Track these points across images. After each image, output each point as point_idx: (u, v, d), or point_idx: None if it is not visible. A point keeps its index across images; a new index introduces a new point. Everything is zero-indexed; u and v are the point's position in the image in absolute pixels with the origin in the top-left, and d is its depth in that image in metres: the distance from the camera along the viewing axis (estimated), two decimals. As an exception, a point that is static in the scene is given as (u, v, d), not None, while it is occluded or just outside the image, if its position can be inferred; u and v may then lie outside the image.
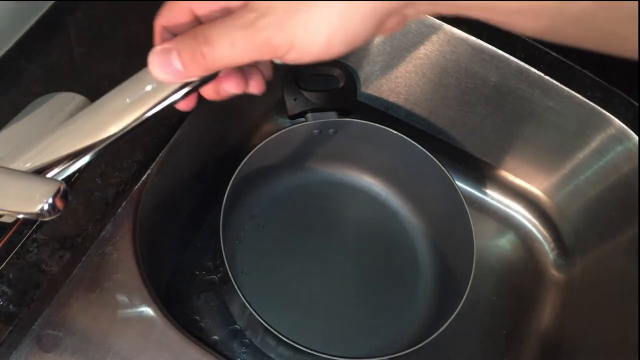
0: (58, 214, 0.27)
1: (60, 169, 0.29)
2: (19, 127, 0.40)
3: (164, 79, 0.28)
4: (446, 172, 0.60)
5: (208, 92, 0.31)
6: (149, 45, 0.52)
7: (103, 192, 0.46)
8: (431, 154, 0.60)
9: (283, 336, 0.49)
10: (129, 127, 0.29)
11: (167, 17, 0.29)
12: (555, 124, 0.64)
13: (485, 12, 0.25)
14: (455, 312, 0.52)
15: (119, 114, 0.29)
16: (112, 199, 0.46)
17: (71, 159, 0.29)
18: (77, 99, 0.43)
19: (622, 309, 0.60)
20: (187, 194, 0.62)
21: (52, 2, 0.51)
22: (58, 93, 0.43)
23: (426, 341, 0.51)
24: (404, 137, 0.61)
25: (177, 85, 0.29)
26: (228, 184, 0.54)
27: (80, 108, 0.42)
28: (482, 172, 0.74)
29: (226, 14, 0.27)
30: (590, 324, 0.63)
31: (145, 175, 0.49)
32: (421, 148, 0.60)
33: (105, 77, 0.50)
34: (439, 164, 0.60)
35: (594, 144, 0.64)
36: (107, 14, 0.53)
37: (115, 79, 0.50)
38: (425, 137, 0.72)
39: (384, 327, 0.62)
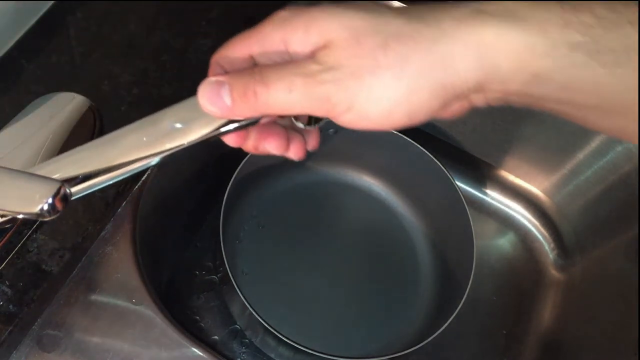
0: (58, 215, 0.27)
1: (79, 188, 0.29)
2: (19, 127, 0.40)
3: (210, 111, 0.27)
4: (446, 172, 0.60)
5: (248, 145, 0.31)
6: (148, 45, 0.53)
7: (103, 192, 0.46)
8: (431, 154, 0.60)
9: (283, 336, 0.49)
10: (148, 163, 0.29)
11: (225, 54, 0.29)
12: (555, 124, 0.64)
13: (560, 106, 0.25)
14: (455, 312, 0.52)
15: (143, 146, 0.29)
16: (112, 199, 0.46)
17: (91, 179, 0.29)
18: (77, 99, 0.43)
19: (622, 308, 0.60)
20: (187, 194, 0.62)
21: (52, 2, 0.51)
22: (58, 93, 0.43)
23: (426, 341, 0.51)
24: (404, 137, 0.61)
25: (211, 127, 0.28)
26: (228, 184, 0.54)
27: (80, 108, 0.42)
28: (482, 172, 0.74)
29: (286, 62, 0.27)
30: (590, 324, 0.63)
31: (145, 175, 0.49)
32: (421, 148, 0.60)
33: (105, 77, 0.50)
34: (439, 164, 0.60)
35: (594, 144, 0.64)
36: (107, 14, 0.53)
37: (115, 79, 0.50)
38: (425, 137, 0.72)
39: (383, 327, 0.62)
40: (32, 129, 0.40)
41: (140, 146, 0.28)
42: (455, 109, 0.26)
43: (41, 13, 0.50)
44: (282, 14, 0.27)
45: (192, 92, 0.56)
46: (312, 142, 0.32)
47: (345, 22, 0.25)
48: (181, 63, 0.52)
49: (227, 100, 0.26)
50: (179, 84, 0.51)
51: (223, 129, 0.28)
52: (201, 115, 0.28)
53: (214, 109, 0.27)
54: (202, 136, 0.28)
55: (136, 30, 0.53)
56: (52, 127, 0.40)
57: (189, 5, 0.56)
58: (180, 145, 0.28)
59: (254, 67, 0.27)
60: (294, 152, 0.31)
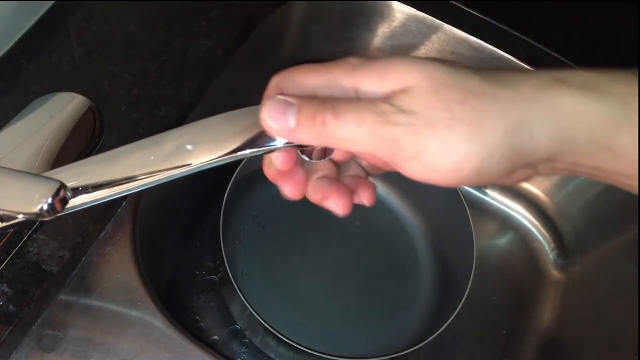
0: (57, 214, 0.27)
1: (82, 200, 0.28)
2: (19, 127, 0.40)
3: (270, 128, 0.27)
4: (446, 172, 0.60)
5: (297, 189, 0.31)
6: (148, 45, 0.53)
7: (103, 192, 0.46)
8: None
9: (283, 336, 0.49)
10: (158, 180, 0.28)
11: (287, 78, 0.28)
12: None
13: (632, 181, 0.25)
14: (455, 312, 0.52)
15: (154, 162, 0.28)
16: (112, 200, 0.46)
17: (90, 193, 0.28)
18: (77, 99, 0.43)
19: (622, 308, 0.60)
20: (187, 194, 0.62)
21: (52, 2, 0.51)
22: (58, 93, 0.43)
23: (426, 341, 0.51)
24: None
25: (223, 150, 0.27)
26: (228, 184, 0.54)
27: (80, 108, 0.42)
28: (482, 172, 0.74)
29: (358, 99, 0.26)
30: (590, 324, 0.63)
31: (145, 175, 0.48)
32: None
33: (105, 77, 0.50)
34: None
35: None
36: (107, 14, 0.53)
37: (115, 79, 0.50)
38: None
39: (383, 327, 0.62)
40: (32, 129, 0.40)
41: (146, 165, 0.28)
42: (520, 176, 0.26)
43: (41, 13, 0.50)
44: (352, 61, 0.27)
45: (192, 92, 0.56)
46: (367, 195, 0.32)
47: (426, 71, 0.25)
48: (181, 63, 0.52)
49: (292, 121, 0.26)
50: (179, 84, 0.51)
51: (237, 154, 0.27)
52: (213, 139, 0.28)
53: (276, 126, 0.26)
54: (213, 159, 0.28)
55: (136, 30, 0.53)
56: (52, 127, 0.40)
57: (189, 5, 0.56)
58: (188, 165, 0.28)
59: (324, 97, 0.26)
60: (336, 205, 0.30)
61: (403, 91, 0.25)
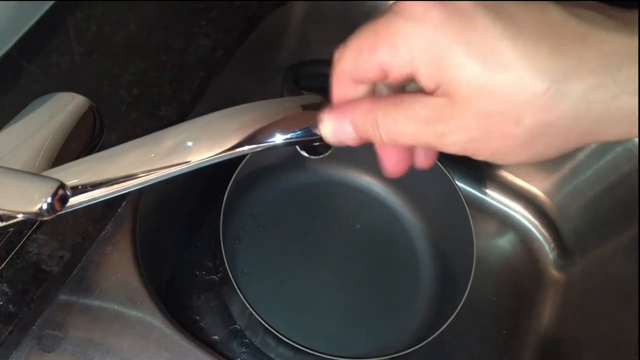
0: (57, 214, 0.27)
1: (80, 200, 0.28)
2: (19, 127, 0.40)
3: (335, 142, 0.30)
4: (446, 172, 0.60)
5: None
6: (148, 45, 0.53)
7: (103, 192, 0.46)
8: (431, 154, 0.60)
9: (283, 336, 0.49)
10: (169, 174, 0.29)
11: (353, 63, 0.28)
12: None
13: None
14: (455, 312, 0.52)
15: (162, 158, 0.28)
16: (112, 199, 0.46)
17: (89, 192, 0.28)
18: (77, 99, 0.43)
19: (622, 309, 0.60)
20: (187, 194, 0.62)
21: (52, 2, 0.51)
22: (58, 93, 0.43)
23: (426, 341, 0.51)
24: (404, 137, 0.60)
25: (223, 147, 0.28)
26: (228, 184, 0.54)
27: (81, 108, 0.42)
28: (482, 172, 0.74)
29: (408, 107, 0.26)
30: (590, 324, 0.63)
31: (145, 175, 0.48)
32: (421, 148, 0.60)
33: (105, 77, 0.50)
34: (439, 164, 0.60)
35: (594, 144, 0.64)
36: (107, 14, 0.53)
37: (115, 79, 0.50)
38: (425, 137, 0.72)
39: (383, 327, 0.62)
40: (32, 129, 0.40)
41: (146, 162, 0.28)
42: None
43: (41, 13, 0.50)
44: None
45: (192, 92, 0.56)
46: (424, 158, 0.32)
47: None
48: (181, 63, 0.52)
49: (353, 132, 0.29)
50: (179, 84, 0.51)
51: (236, 151, 0.28)
52: (212, 135, 0.28)
53: (340, 141, 0.29)
54: (213, 156, 0.28)
55: (136, 30, 0.53)
56: (52, 127, 0.40)
57: (189, 5, 0.56)
58: (187, 162, 0.28)
59: (376, 111, 0.27)
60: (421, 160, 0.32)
61: (450, 100, 0.24)
